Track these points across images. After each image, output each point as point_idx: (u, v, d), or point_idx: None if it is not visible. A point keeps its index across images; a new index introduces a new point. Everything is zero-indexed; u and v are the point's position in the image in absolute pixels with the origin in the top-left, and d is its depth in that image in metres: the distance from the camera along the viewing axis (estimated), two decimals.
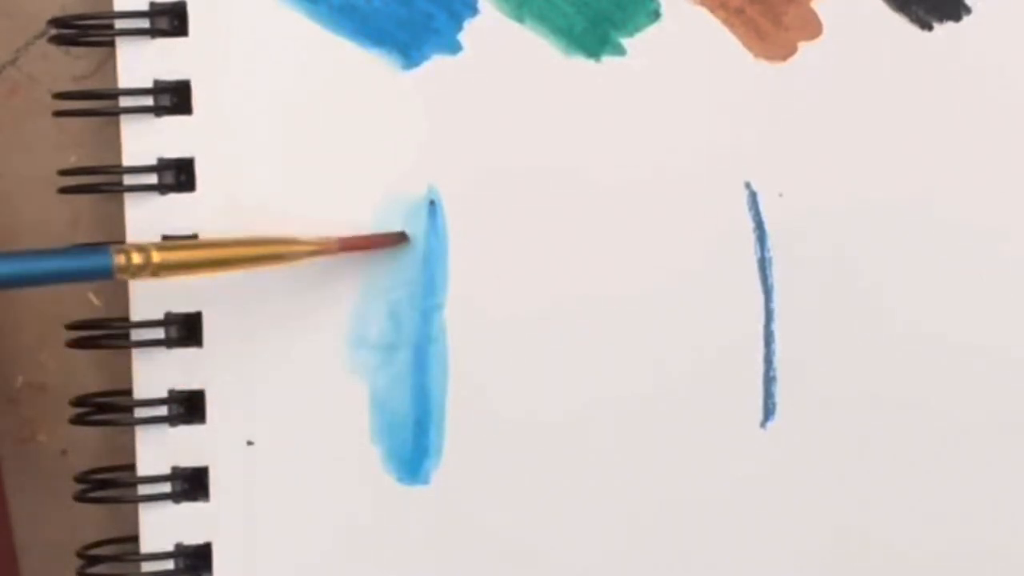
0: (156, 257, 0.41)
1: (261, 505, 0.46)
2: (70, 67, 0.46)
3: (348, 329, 0.46)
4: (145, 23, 0.45)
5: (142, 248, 0.41)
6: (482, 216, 0.46)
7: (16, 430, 0.47)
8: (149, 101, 0.45)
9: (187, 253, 0.43)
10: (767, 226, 0.46)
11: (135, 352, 0.45)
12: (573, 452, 0.46)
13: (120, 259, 0.41)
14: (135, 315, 0.45)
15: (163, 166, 0.45)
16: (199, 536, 0.46)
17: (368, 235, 0.45)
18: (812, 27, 0.46)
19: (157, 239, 0.45)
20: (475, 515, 0.46)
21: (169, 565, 0.45)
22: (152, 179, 0.45)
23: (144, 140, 0.45)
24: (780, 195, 0.46)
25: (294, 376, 0.46)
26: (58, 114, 0.45)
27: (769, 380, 0.46)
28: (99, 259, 0.41)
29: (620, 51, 0.46)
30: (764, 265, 0.46)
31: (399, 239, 0.45)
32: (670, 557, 0.46)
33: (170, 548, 0.45)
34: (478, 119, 0.46)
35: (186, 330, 0.45)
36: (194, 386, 0.45)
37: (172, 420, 0.45)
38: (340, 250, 0.44)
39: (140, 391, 0.45)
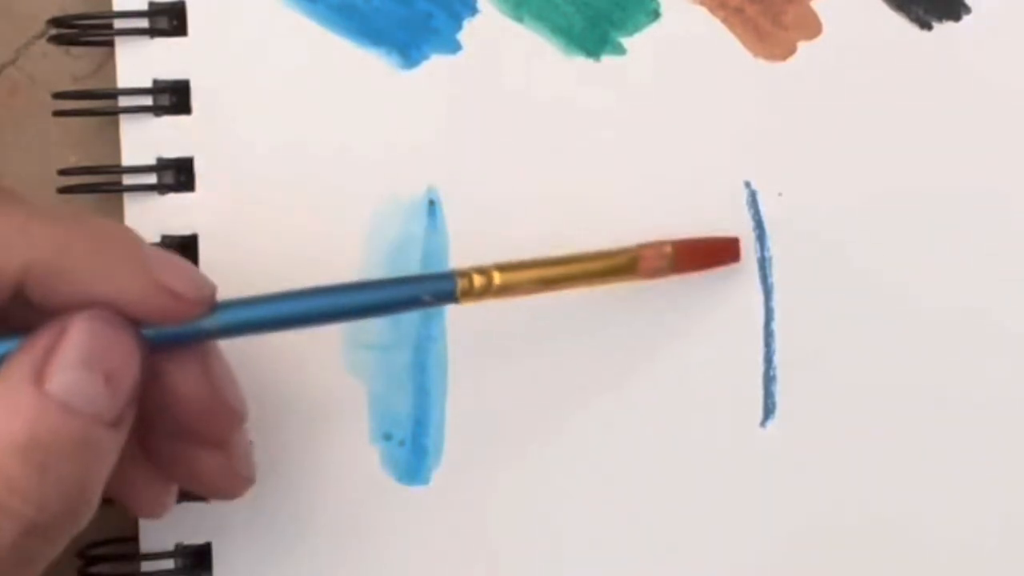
0: (497, 279, 0.41)
1: (261, 505, 0.45)
2: (70, 67, 0.46)
3: (348, 329, 0.46)
4: (144, 23, 0.45)
5: (483, 271, 0.41)
6: (482, 216, 0.46)
7: None
8: (148, 101, 0.45)
9: (529, 273, 0.42)
10: (767, 226, 0.46)
11: None
12: (573, 451, 0.46)
13: (463, 283, 0.41)
14: None
15: (162, 166, 0.45)
16: (199, 536, 0.46)
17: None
18: (812, 27, 0.46)
19: (157, 239, 0.45)
20: (475, 515, 0.46)
21: (169, 565, 0.45)
22: (152, 179, 0.45)
23: (143, 140, 0.45)
24: (780, 195, 0.46)
25: (294, 376, 0.46)
26: (58, 114, 0.45)
27: (769, 380, 0.46)
28: (443, 284, 0.41)
29: (620, 51, 0.46)
30: (764, 265, 0.46)
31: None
32: (670, 556, 0.46)
33: (170, 548, 0.45)
34: (478, 119, 0.46)
35: None
36: None
37: None
38: (676, 272, 0.44)
39: None
